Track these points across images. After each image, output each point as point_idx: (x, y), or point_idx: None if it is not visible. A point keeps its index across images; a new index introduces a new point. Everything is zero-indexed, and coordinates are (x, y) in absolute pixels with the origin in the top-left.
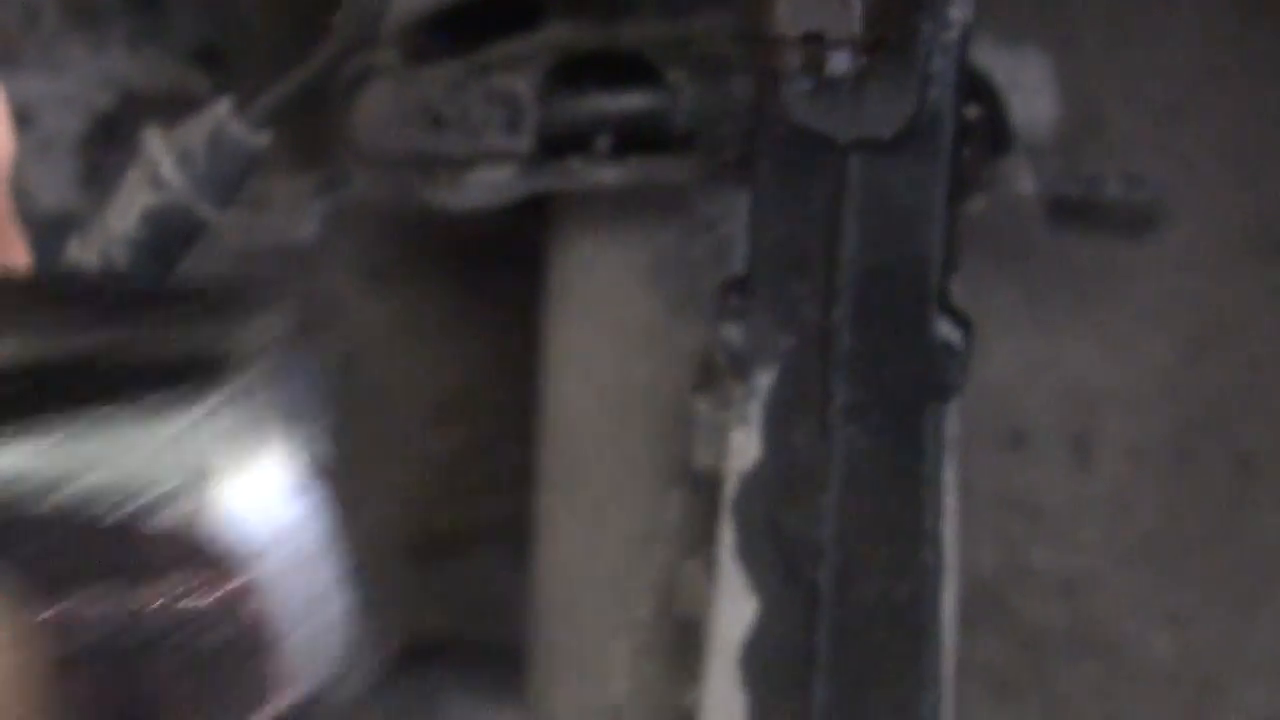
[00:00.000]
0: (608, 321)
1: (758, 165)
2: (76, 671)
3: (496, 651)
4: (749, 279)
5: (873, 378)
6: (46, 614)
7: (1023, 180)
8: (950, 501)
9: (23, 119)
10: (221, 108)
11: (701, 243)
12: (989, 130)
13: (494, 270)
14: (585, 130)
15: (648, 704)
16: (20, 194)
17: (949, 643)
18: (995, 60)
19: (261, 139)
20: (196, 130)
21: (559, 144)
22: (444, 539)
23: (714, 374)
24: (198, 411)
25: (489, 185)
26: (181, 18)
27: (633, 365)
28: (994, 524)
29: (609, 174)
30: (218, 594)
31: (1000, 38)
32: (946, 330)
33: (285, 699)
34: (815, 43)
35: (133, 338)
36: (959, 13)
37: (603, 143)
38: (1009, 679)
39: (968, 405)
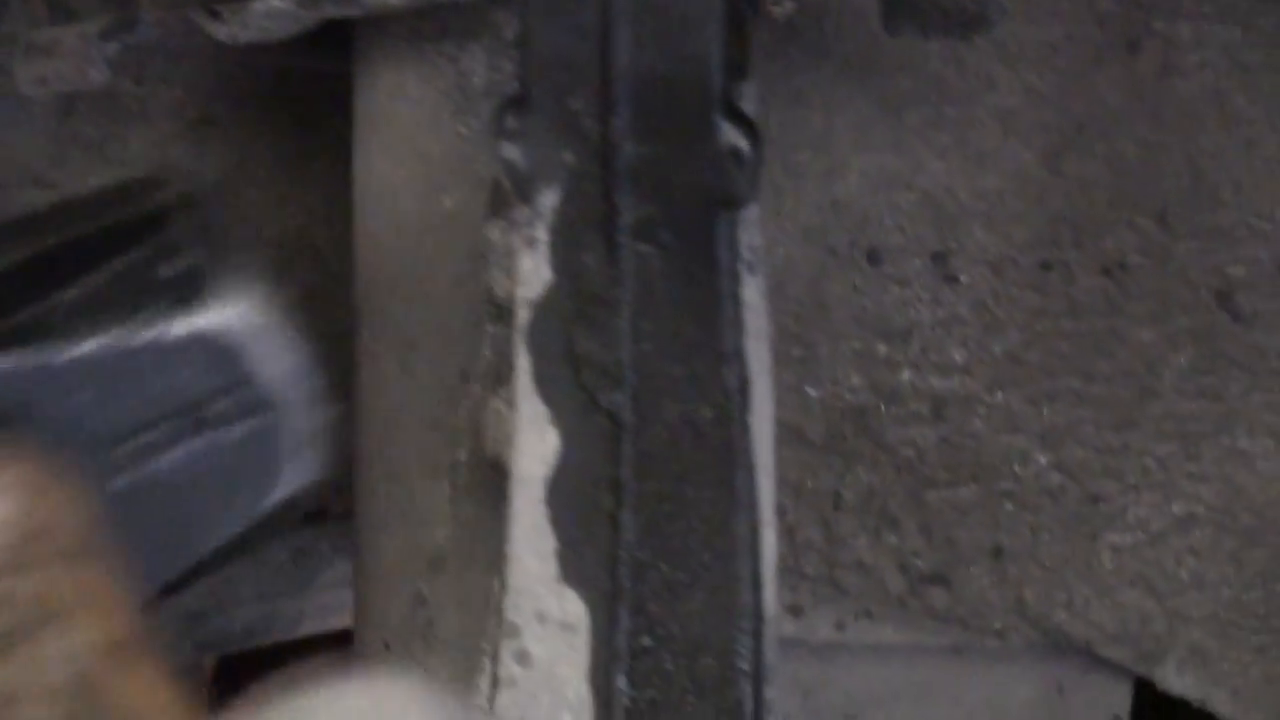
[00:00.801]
0: (411, 152)
1: None
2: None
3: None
4: (524, 96)
5: (659, 191)
6: None
7: None
8: (755, 319)
9: None
10: None
11: (508, 65)
12: None
13: (324, 109)
14: None
15: (469, 547)
16: None
17: (764, 463)
18: None
19: None
20: None
21: None
22: None
23: (504, 200)
24: None
25: (274, 14)
26: None
27: (439, 196)
28: (858, 347)
29: None
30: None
31: None
32: (733, 136)
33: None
34: None
35: None
36: None
37: None
38: (885, 507)
39: (823, 223)
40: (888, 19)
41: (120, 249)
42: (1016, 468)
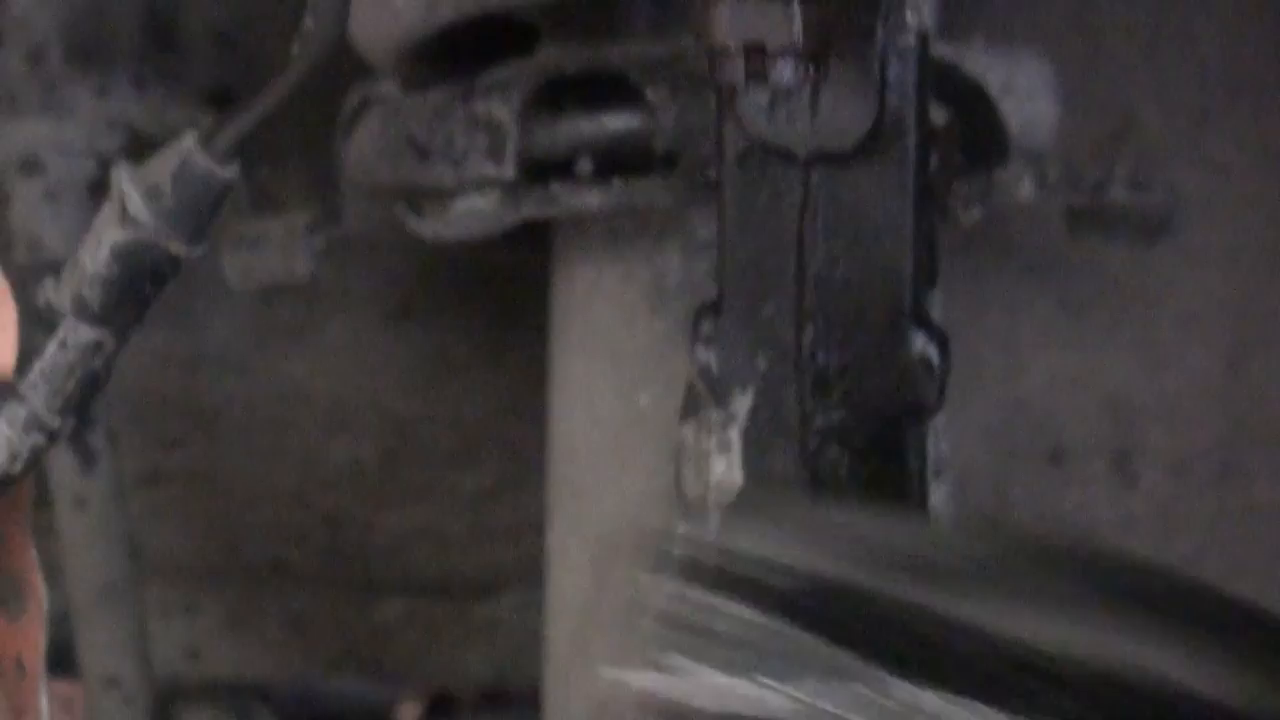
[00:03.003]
0: (607, 349)
1: (721, 183)
2: None
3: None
4: (720, 302)
5: (850, 398)
6: None
7: (1023, 187)
8: None
9: (29, 166)
10: (187, 141)
11: (702, 264)
12: (975, 136)
13: (519, 303)
14: (566, 153)
15: None
16: (29, 241)
17: None
18: (987, 65)
19: (228, 171)
20: (163, 165)
21: (542, 169)
22: (471, 583)
23: (698, 401)
24: None
25: (475, 214)
26: (196, 59)
27: (634, 394)
28: None
29: (592, 198)
30: None
31: (993, 41)
32: (923, 345)
33: None
34: (757, 53)
35: None
36: (915, 17)
37: (585, 166)
38: None
39: (1006, 422)
40: (1072, 224)
41: None
42: None
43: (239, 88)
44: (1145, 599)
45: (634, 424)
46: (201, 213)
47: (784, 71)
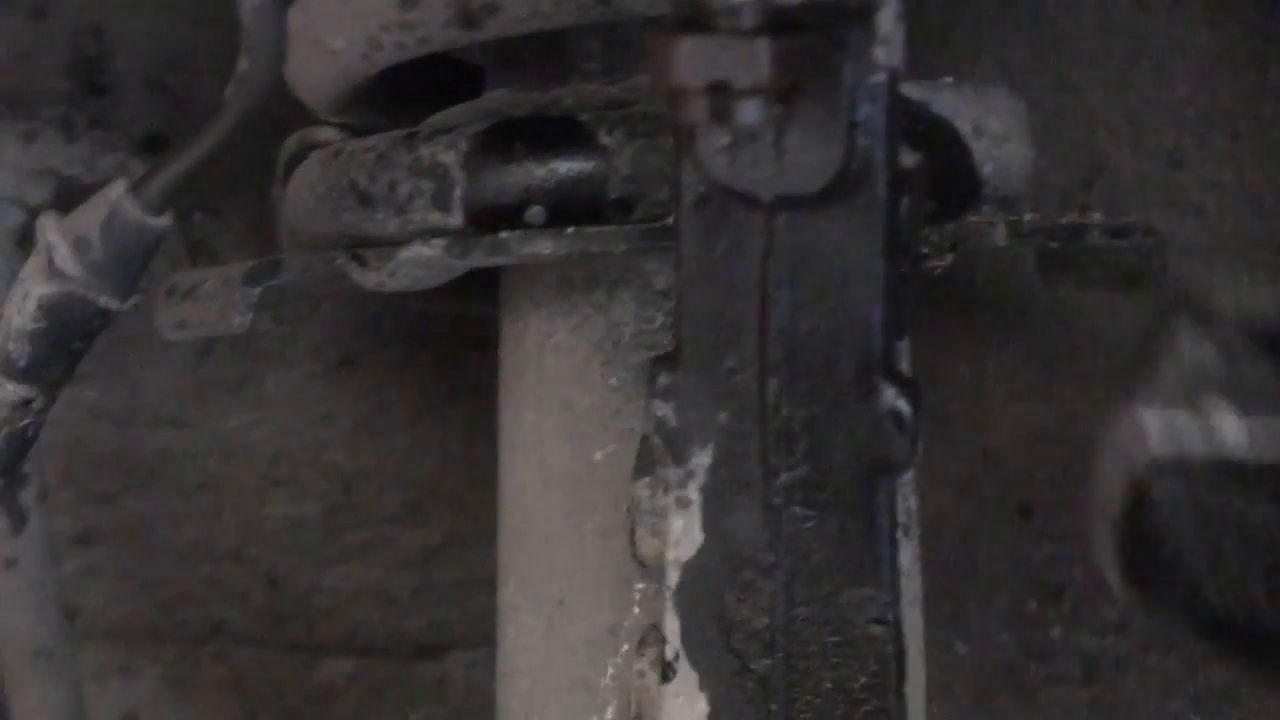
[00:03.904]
0: (560, 403)
1: (680, 229)
2: None
3: None
4: (678, 353)
5: (816, 453)
6: None
7: (997, 233)
8: (911, 584)
9: None
10: (116, 189)
11: (659, 315)
12: (947, 180)
13: (466, 353)
14: (517, 201)
15: None
16: None
17: None
18: (959, 105)
19: (160, 221)
20: (92, 214)
21: (490, 216)
22: (418, 645)
23: (652, 457)
24: None
25: (420, 263)
26: (126, 104)
27: (588, 449)
28: (1008, 603)
29: (543, 246)
30: None
31: (964, 82)
32: (893, 399)
33: None
34: (721, 92)
35: None
36: (885, 56)
37: (536, 212)
38: None
39: (974, 475)
40: (1044, 271)
41: None
42: None
43: (172, 133)
44: None
45: (588, 480)
46: (132, 264)
47: (749, 112)
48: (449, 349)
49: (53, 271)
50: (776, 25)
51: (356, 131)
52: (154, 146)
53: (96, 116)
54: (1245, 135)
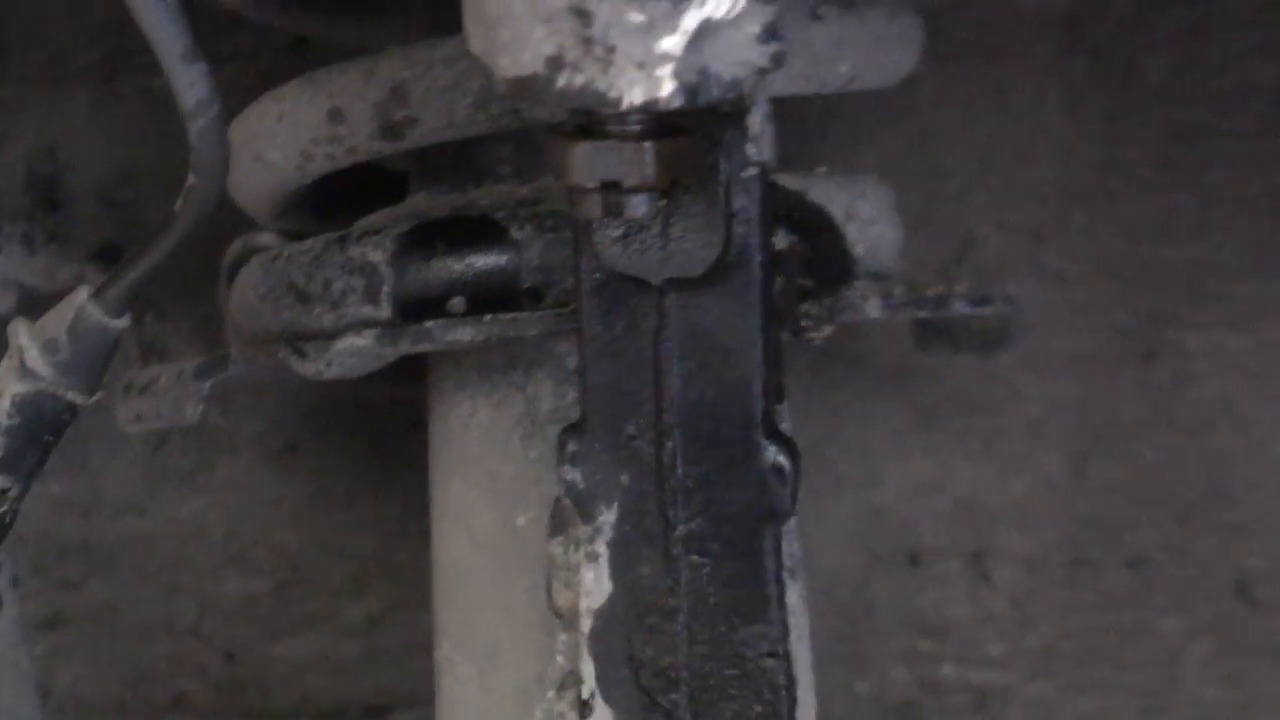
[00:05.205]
0: (484, 475)
1: (581, 312)
2: None
3: None
4: (584, 422)
5: (709, 507)
6: None
7: (870, 306)
8: (798, 621)
9: None
10: (80, 295)
11: (572, 391)
12: (823, 260)
13: (398, 435)
14: (439, 293)
15: None
16: None
17: None
18: (832, 193)
19: (120, 322)
20: (59, 319)
21: (416, 308)
22: (366, 706)
23: (564, 518)
24: None
25: (354, 353)
26: (80, 217)
27: (511, 516)
28: (902, 644)
29: (465, 333)
30: None
31: (836, 169)
32: (775, 455)
33: None
34: (612, 190)
35: None
36: (756, 152)
37: (456, 304)
38: None
39: (865, 527)
40: (920, 338)
41: None
42: None
43: (124, 243)
44: None
45: (512, 544)
46: (96, 362)
47: (638, 206)
48: (384, 431)
49: (25, 371)
50: (659, 129)
51: (292, 235)
52: (107, 256)
53: (53, 231)
54: (1101, 210)
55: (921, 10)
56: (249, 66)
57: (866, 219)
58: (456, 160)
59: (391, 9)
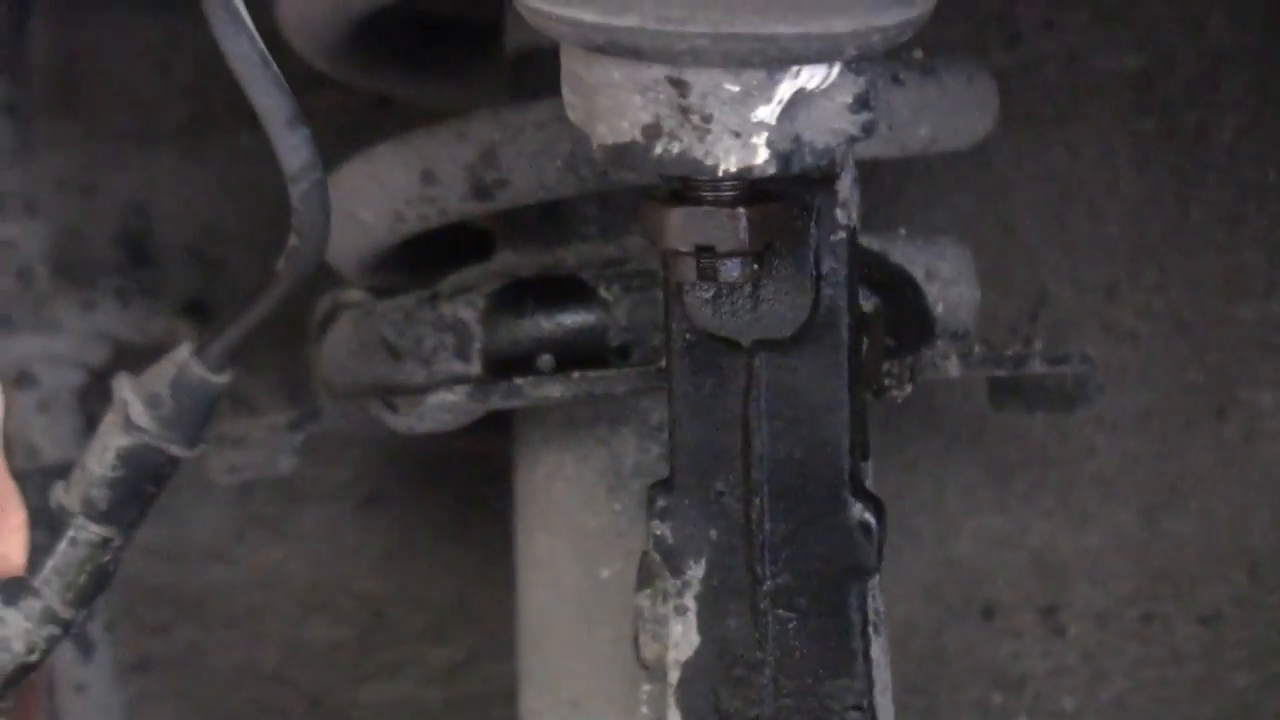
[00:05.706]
0: (570, 528)
1: (672, 371)
2: None
3: None
4: (673, 478)
5: (796, 562)
6: None
7: (950, 365)
8: (881, 674)
9: (23, 379)
10: (183, 352)
11: (655, 447)
12: (904, 320)
13: (479, 485)
14: (529, 350)
15: None
16: (26, 449)
17: None
18: (913, 254)
19: (222, 378)
20: (161, 374)
21: (506, 364)
22: None
23: (652, 571)
24: None
25: (446, 408)
26: (170, 272)
27: (596, 568)
28: (975, 696)
29: (553, 390)
30: None
31: (915, 232)
32: (861, 512)
33: None
34: (707, 254)
35: None
36: (845, 217)
37: (545, 361)
38: None
39: (939, 580)
40: (994, 396)
41: None
42: None
43: (210, 298)
44: None
45: (597, 595)
46: (198, 417)
47: (731, 270)
48: (464, 482)
49: (129, 425)
50: (752, 195)
51: (379, 292)
52: (195, 311)
53: (145, 285)
54: (1172, 267)
55: (996, 72)
56: (331, 124)
57: (946, 279)
58: (543, 219)
59: (473, 72)
